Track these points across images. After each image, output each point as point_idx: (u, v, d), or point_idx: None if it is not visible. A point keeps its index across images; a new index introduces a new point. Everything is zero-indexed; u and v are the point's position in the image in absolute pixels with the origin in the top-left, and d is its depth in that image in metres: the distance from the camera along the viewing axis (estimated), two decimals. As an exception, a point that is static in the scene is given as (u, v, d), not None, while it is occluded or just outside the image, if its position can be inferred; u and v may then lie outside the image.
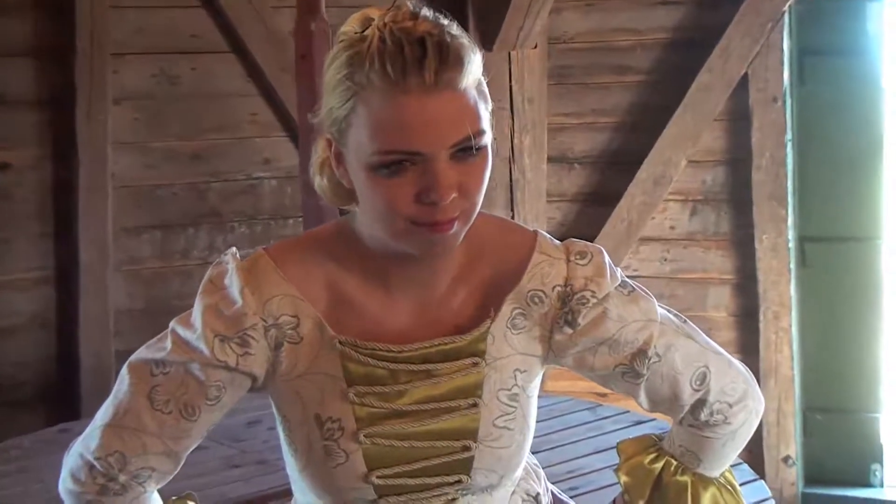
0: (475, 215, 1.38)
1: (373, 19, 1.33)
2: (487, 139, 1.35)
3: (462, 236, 1.38)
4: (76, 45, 4.17)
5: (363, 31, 1.32)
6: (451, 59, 1.29)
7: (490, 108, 1.38)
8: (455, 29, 1.33)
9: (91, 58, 4.19)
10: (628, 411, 3.63)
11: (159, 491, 1.55)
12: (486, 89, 1.37)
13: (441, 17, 1.34)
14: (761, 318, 4.53)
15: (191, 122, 4.49)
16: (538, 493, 1.61)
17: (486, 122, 1.35)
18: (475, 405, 1.46)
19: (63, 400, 4.22)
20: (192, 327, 1.44)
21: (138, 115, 4.39)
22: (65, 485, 1.49)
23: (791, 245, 4.51)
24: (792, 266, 4.51)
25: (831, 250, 4.55)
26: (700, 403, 1.53)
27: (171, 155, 4.45)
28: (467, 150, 1.32)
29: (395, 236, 1.37)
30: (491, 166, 1.37)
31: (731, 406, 1.54)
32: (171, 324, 1.47)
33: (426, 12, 1.33)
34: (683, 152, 4.61)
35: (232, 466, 3.34)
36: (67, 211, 4.23)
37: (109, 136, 4.27)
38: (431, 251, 1.38)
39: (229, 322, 1.42)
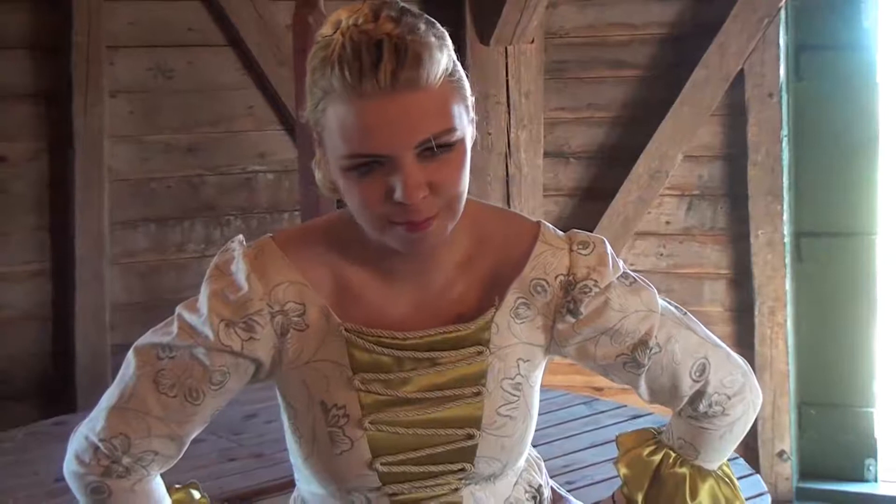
0: (460, 209, 1.38)
1: (342, 22, 1.33)
2: (460, 134, 1.35)
3: (448, 231, 1.38)
4: (72, 38, 4.16)
5: (333, 35, 1.32)
6: (408, 60, 1.28)
7: (470, 101, 1.38)
8: (422, 26, 1.32)
9: (87, 51, 4.19)
10: (625, 406, 3.64)
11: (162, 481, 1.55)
12: (463, 83, 1.37)
13: (408, 14, 1.33)
14: (756, 312, 4.54)
15: (187, 116, 4.49)
16: (540, 485, 1.62)
17: (457, 118, 1.34)
18: (479, 394, 1.47)
19: (59, 393, 4.22)
20: (198, 312, 1.44)
21: (134, 108, 4.39)
22: (69, 466, 1.50)
23: (787, 240, 4.51)
24: (787, 261, 4.52)
25: (827, 245, 4.56)
26: (699, 395, 1.54)
27: (167, 148, 4.45)
28: (436, 147, 1.32)
29: (377, 233, 1.38)
30: (469, 160, 1.37)
31: (729, 398, 1.55)
32: (178, 309, 1.48)
33: (391, 11, 1.32)
34: (679, 147, 4.62)
35: (229, 459, 3.34)
36: (63, 204, 4.23)
37: (105, 129, 4.27)
38: (413, 248, 1.39)
39: (235, 307, 1.43)
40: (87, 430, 1.48)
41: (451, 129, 1.33)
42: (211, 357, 1.44)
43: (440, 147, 1.32)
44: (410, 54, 1.29)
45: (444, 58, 1.33)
